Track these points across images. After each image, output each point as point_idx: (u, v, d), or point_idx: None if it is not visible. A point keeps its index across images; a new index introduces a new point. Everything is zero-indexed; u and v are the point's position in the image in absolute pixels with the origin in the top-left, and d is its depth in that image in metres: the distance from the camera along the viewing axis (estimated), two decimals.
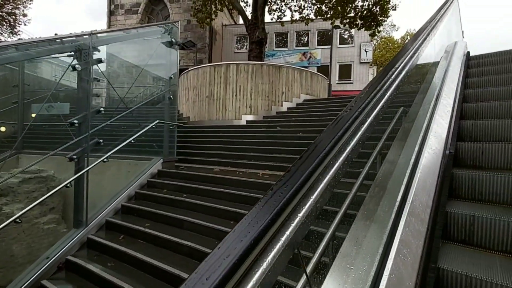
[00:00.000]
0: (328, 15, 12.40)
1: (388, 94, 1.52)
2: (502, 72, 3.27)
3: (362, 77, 18.51)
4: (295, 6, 13.52)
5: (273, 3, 13.86)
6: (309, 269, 0.92)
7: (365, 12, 11.61)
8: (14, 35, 25.94)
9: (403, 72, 1.76)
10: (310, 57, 19.11)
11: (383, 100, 1.47)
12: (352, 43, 18.82)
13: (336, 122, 1.19)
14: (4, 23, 25.35)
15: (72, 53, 3.65)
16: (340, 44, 19.06)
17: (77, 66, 3.37)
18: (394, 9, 11.52)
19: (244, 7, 14.17)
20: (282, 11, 14.01)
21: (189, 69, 8.78)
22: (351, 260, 1.01)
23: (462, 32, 5.84)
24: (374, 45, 27.34)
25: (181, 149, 6.23)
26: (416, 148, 1.64)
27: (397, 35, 45.45)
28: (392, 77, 1.63)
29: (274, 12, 14.10)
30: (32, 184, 5.60)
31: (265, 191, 0.84)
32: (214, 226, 3.15)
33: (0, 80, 7.19)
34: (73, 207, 3.75)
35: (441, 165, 1.62)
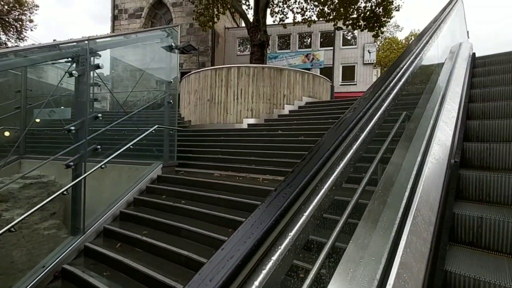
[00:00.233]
0: (331, 17, 12.31)
1: (394, 92, 1.47)
2: (509, 71, 3.15)
3: (366, 78, 18.33)
4: (297, 8, 13.46)
5: (275, 6, 13.82)
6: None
7: (368, 13, 11.49)
8: (21, 40, 26.40)
9: (409, 71, 1.68)
10: (313, 58, 19.01)
11: (389, 99, 1.41)
12: (355, 44, 18.68)
13: (340, 124, 1.17)
14: (11, 28, 25.82)
15: (70, 59, 3.62)
16: (343, 45, 18.93)
17: (74, 72, 3.33)
18: (398, 10, 11.38)
19: (246, 10, 14.17)
20: (284, 13, 13.96)
21: (191, 72, 8.76)
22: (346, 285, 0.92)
23: (467, 32, 5.70)
24: (378, 46, 27.15)
25: (182, 153, 6.18)
26: (419, 158, 1.55)
27: (401, 36, 45.09)
28: (398, 75, 1.58)
29: (276, 15, 14.05)
30: (33, 189, 5.59)
31: (264, 197, 0.82)
32: (211, 235, 3.08)
33: (3, 86, 7.25)
34: (71, 214, 3.71)
35: (446, 176, 1.52)
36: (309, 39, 19.59)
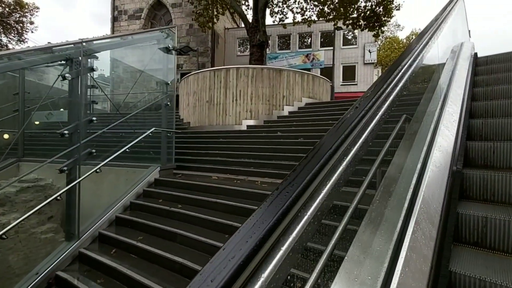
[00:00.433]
0: (331, 17, 12.22)
1: (396, 90, 1.44)
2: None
3: (367, 78, 18.22)
4: (297, 8, 13.37)
5: (274, 6, 13.74)
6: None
7: (368, 12, 11.39)
8: (22, 42, 26.48)
9: (410, 70, 1.63)
10: (313, 59, 18.92)
11: (392, 96, 1.39)
12: (356, 44, 18.57)
13: (341, 123, 1.15)
14: (12, 31, 25.90)
15: (65, 62, 3.56)
16: (343, 45, 18.82)
17: (67, 75, 3.28)
18: (398, 9, 11.28)
19: (246, 10, 14.11)
20: (284, 13, 13.88)
21: (189, 74, 8.70)
22: None
23: (469, 31, 5.60)
24: (379, 45, 27.01)
25: (180, 155, 6.12)
26: (419, 166, 1.47)
27: (402, 35, 44.91)
28: (400, 74, 1.54)
29: (276, 15, 13.97)
30: (30, 193, 5.53)
31: (262, 202, 0.80)
32: (207, 241, 3.01)
33: (1, 88, 7.22)
34: (65, 220, 3.65)
35: (447, 185, 1.44)
36: (309, 39, 19.50)
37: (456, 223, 1.50)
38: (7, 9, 25.10)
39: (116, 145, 4.69)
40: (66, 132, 3.33)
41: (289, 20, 14.21)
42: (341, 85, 18.57)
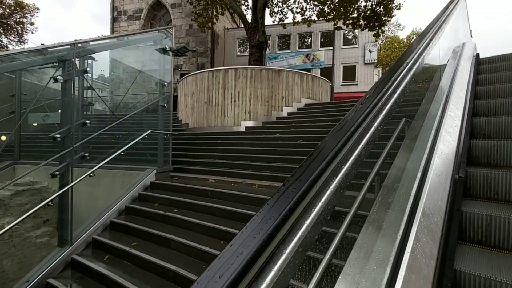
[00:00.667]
0: (331, 16, 12.13)
1: (400, 88, 1.42)
2: None
3: (367, 78, 18.11)
4: (296, 8, 13.29)
5: (274, 6, 13.66)
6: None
7: (368, 12, 11.30)
8: (22, 43, 26.49)
9: (411, 72, 1.58)
10: (314, 59, 18.82)
11: (397, 93, 1.38)
12: (356, 44, 18.46)
13: (344, 124, 1.15)
14: (12, 32, 25.92)
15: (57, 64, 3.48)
16: (344, 45, 18.72)
17: (59, 78, 3.20)
18: (399, 9, 11.18)
19: (245, 10, 14.03)
20: (284, 13, 13.79)
21: (188, 75, 8.63)
22: None
23: (470, 31, 5.50)
24: (379, 45, 26.89)
25: (178, 157, 6.05)
26: (419, 174, 1.38)
27: (402, 35, 44.76)
28: (402, 73, 1.53)
29: (275, 15, 13.89)
30: (25, 196, 5.46)
31: (260, 206, 0.80)
32: (202, 248, 2.93)
33: None
34: (58, 225, 3.57)
35: (449, 196, 1.36)
36: (310, 39, 19.40)
37: (460, 221, 1.49)
38: (7, 10, 25.11)
39: (113, 147, 4.62)
40: (58, 135, 3.25)
41: (289, 20, 14.13)
42: (342, 85, 18.47)
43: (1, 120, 6.87)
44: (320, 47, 18.96)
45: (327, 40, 18.84)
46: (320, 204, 0.81)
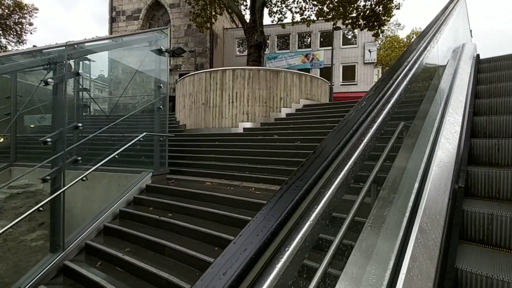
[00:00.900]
0: (330, 16, 12.05)
1: (403, 84, 1.42)
2: None
3: (367, 78, 18.02)
4: (295, 7, 13.20)
5: (273, 5, 13.57)
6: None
7: (367, 12, 11.21)
8: (21, 44, 26.40)
9: (410, 73, 1.54)
10: (313, 58, 18.74)
11: (400, 88, 1.39)
12: (355, 44, 18.37)
13: (344, 123, 1.15)
14: (11, 32, 25.83)
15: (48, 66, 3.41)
16: (343, 44, 18.62)
17: (49, 80, 3.12)
18: (398, 8, 11.09)
19: (244, 10, 13.94)
20: (283, 13, 13.70)
21: (185, 75, 8.56)
22: None
23: (470, 31, 5.42)
24: (379, 44, 26.78)
25: (174, 159, 5.98)
26: (416, 185, 1.31)
27: (402, 34, 44.64)
28: (403, 73, 1.52)
29: (274, 15, 13.79)
30: (20, 199, 5.39)
31: (255, 211, 0.78)
32: (195, 255, 2.86)
33: None
34: (50, 230, 3.51)
35: (448, 208, 1.29)
36: (309, 38, 19.31)
37: (461, 220, 1.48)
38: (6, 10, 25.03)
39: (109, 149, 4.55)
40: (49, 139, 3.18)
41: (288, 19, 14.03)
42: (341, 85, 18.38)
43: None
44: (320, 47, 18.87)
45: (327, 40, 18.74)
46: (322, 202, 0.80)
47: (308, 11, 12.98)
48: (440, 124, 1.76)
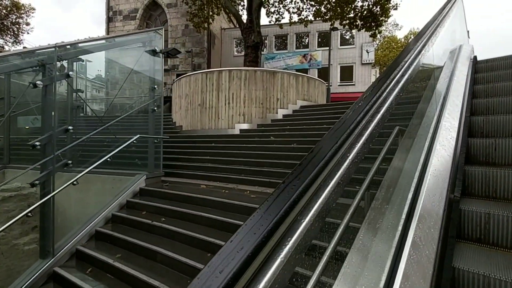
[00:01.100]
0: (327, 16, 12.01)
1: (401, 84, 1.41)
2: None
3: (365, 78, 18.01)
4: (293, 8, 13.17)
5: (270, 6, 13.52)
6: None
7: (365, 12, 11.18)
8: (18, 43, 26.22)
9: (407, 74, 1.51)
10: (311, 59, 18.71)
11: (398, 88, 1.38)
12: (353, 44, 18.35)
13: (342, 123, 1.14)
14: (8, 32, 25.65)
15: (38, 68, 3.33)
16: (341, 45, 18.60)
17: (38, 83, 3.05)
18: (395, 9, 11.07)
19: (241, 10, 13.89)
20: (280, 13, 13.66)
21: (181, 76, 8.48)
22: None
23: (467, 32, 5.38)
24: (377, 44, 26.77)
25: (170, 161, 5.91)
26: (410, 196, 1.26)
27: (400, 34, 44.71)
28: (401, 71, 1.51)
29: (272, 15, 13.75)
30: (13, 202, 5.31)
31: (248, 216, 0.76)
32: (187, 262, 2.79)
33: None
34: (39, 236, 3.43)
35: (443, 219, 1.23)
36: (307, 39, 19.28)
37: (458, 219, 1.49)
38: (3, 11, 24.84)
39: (103, 151, 4.47)
40: (37, 143, 3.10)
41: (286, 20, 14.00)
42: (339, 85, 18.36)
43: None
44: (318, 47, 18.85)
45: (325, 40, 18.71)
46: (319, 201, 0.79)
47: (306, 11, 12.95)
48: (436, 129, 1.70)
